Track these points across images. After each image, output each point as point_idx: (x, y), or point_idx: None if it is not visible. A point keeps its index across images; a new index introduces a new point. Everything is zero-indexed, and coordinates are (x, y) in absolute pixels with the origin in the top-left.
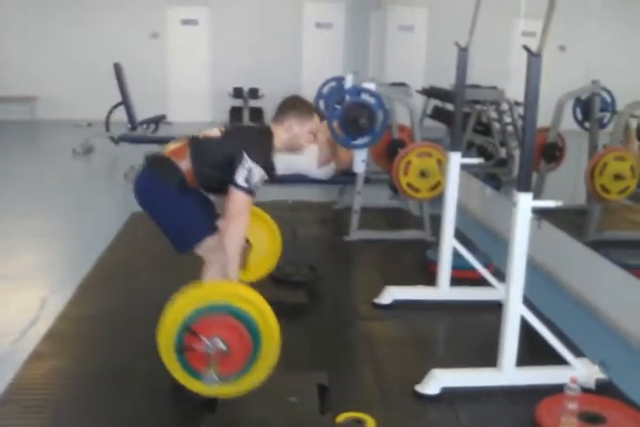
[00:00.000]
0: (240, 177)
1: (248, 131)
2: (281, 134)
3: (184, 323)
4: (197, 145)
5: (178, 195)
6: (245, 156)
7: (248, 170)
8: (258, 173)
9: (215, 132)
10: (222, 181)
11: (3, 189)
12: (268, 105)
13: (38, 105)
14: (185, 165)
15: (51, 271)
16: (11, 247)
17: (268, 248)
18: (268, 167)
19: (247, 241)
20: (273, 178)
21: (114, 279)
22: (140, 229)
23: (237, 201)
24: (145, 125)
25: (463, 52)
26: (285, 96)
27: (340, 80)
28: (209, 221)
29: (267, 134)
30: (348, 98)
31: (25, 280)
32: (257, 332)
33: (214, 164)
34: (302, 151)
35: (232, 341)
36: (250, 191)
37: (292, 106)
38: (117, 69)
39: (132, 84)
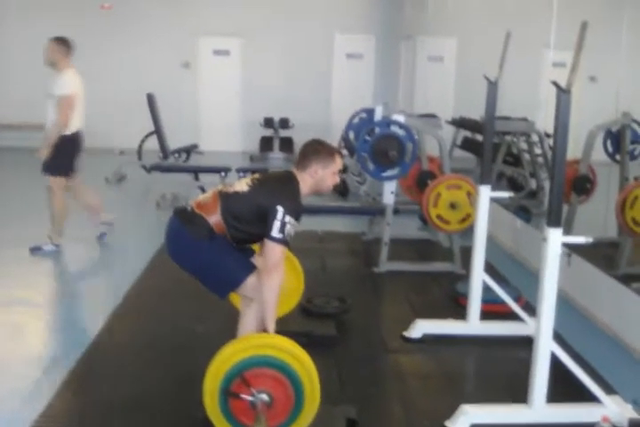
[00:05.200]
0: (275, 229)
1: (276, 182)
2: (307, 180)
3: (234, 370)
4: (228, 200)
5: (208, 245)
6: (279, 208)
7: (282, 222)
8: (291, 222)
9: (242, 186)
10: (255, 235)
11: (35, 216)
12: (298, 135)
13: None
14: (215, 219)
15: (82, 299)
16: (40, 274)
17: (291, 286)
18: (299, 214)
19: None
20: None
21: (145, 308)
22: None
23: (274, 254)
24: (177, 154)
25: (492, 85)
26: (306, 141)
27: (370, 111)
28: (245, 262)
29: (293, 183)
30: (377, 130)
31: (55, 307)
32: (300, 387)
33: (247, 219)
34: (328, 192)
35: (277, 394)
36: (285, 242)
37: (315, 151)
38: (150, 99)
39: (165, 114)
